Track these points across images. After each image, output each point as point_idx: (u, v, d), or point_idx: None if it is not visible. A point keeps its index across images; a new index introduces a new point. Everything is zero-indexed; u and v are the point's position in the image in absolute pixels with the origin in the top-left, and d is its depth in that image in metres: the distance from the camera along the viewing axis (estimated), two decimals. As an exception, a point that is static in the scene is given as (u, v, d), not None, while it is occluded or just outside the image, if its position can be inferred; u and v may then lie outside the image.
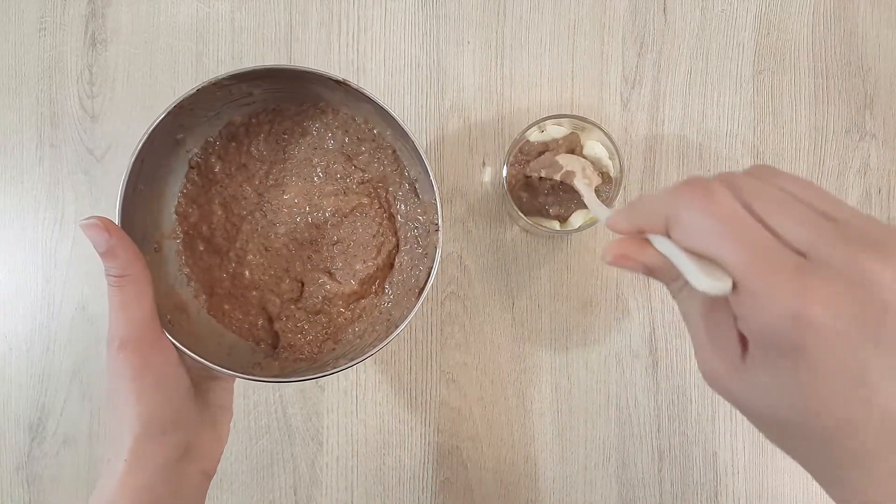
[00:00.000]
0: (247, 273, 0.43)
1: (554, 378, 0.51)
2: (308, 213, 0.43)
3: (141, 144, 0.36)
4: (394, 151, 0.43)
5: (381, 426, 0.52)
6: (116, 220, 0.35)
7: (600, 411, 0.51)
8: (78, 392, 0.52)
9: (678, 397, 0.51)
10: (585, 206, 0.45)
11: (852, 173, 0.52)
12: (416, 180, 0.43)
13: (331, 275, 0.43)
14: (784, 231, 0.21)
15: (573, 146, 0.46)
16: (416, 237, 0.43)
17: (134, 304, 0.33)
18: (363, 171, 0.44)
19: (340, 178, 0.44)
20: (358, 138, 0.43)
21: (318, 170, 0.43)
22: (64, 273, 0.53)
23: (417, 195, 0.43)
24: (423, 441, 0.51)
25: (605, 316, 0.51)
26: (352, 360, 0.37)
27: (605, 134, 0.45)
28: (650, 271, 0.25)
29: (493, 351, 0.52)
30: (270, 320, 0.43)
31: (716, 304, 0.23)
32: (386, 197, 0.44)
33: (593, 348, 0.51)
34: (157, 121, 0.36)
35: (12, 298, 0.53)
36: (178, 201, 0.42)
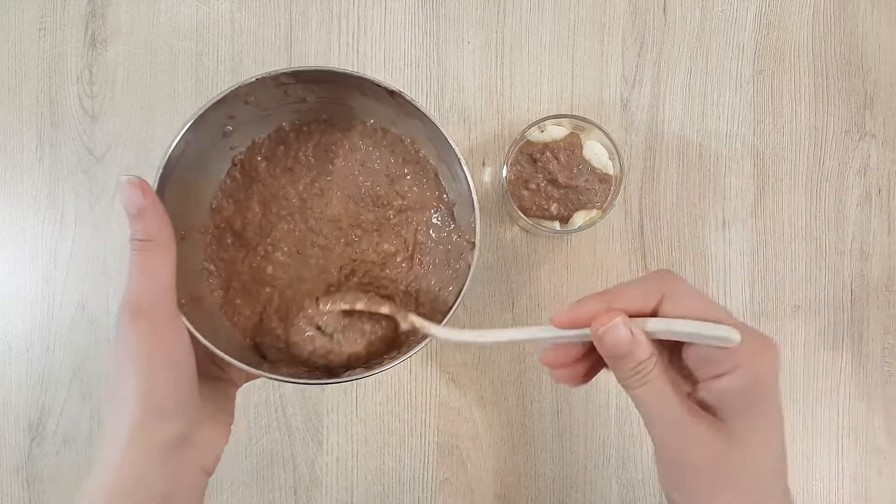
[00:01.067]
0: (269, 269, 0.42)
1: (554, 378, 0.51)
2: (345, 243, 0.43)
3: (185, 128, 0.34)
4: (436, 175, 0.42)
5: (381, 426, 0.52)
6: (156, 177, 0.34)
7: (600, 411, 0.51)
8: (78, 392, 0.52)
9: (678, 397, 0.51)
10: (587, 207, 0.45)
11: (852, 173, 0.52)
12: (454, 203, 0.42)
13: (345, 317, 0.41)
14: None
15: (573, 146, 0.46)
16: (446, 261, 0.42)
17: (154, 272, 0.31)
18: (403, 198, 0.43)
19: (381, 206, 0.43)
20: (403, 160, 0.43)
21: (363, 190, 0.43)
22: (64, 273, 0.53)
23: (454, 219, 0.42)
24: (423, 441, 0.51)
25: (605, 316, 0.51)
26: (368, 370, 0.37)
27: (605, 134, 0.45)
28: (627, 353, 0.30)
29: (493, 351, 0.52)
30: (281, 320, 0.42)
31: (676, 382, 0.32)
32: (417, 227, 0.43)
33: (593, 348, 0.51)
34: (210, 103, 0.35)
35: (12, 298, 0.53)
36: (216, 195, 0.41)
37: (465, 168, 0.37)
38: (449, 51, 0.52)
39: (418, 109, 0.37)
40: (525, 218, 0.45)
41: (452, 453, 0.51)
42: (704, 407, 0.31)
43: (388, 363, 0.37)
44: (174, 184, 0.36)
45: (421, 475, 0.51)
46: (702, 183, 0.52)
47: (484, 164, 0.52)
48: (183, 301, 0.34)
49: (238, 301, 0.41)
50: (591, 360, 0.33)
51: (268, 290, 0.42)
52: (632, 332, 0.29)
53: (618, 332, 0.29)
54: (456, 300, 0.38)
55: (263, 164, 0.42)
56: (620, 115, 0.52)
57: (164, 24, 0.53)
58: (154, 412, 0.31)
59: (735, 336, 0.27)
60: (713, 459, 0.30)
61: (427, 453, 0.51)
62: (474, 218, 0.38)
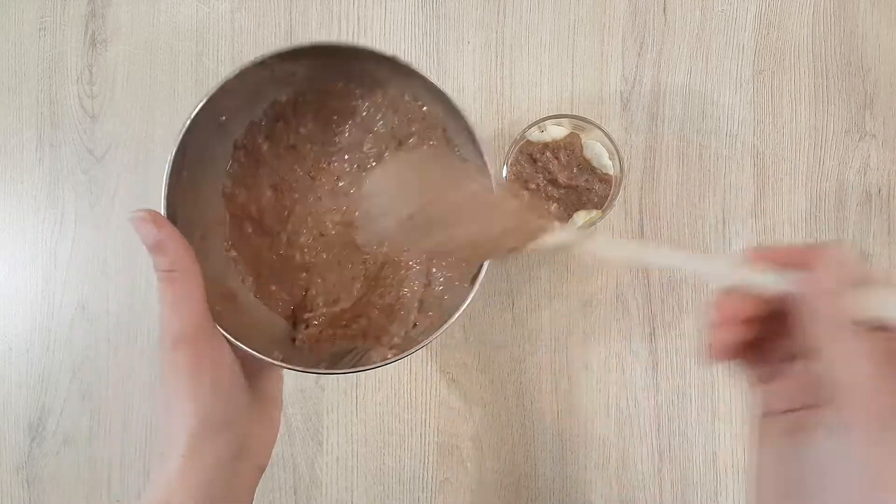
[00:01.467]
0: (297, 255, 0.41)
1: (554, 378, 0.51)
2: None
3: (183, 133, 0.34)
4: (444, 130, 0.40)
5: (381, 426, 0.52)
6: (161, 212, 0.34)
7: (600, 411, 0.51)
8: (78, 392, 0.52)
9: (678, 397, 0.51)
10: (587, 207, 0.45)
11: (852, 173, 0.52)
12: (466, 160, 0.39)
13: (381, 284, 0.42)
14: None
15: (573, 146, 0.46)
16: None
17: (186, 301, 0.32)
18: None
19: None
20: (408, 118, 0.40)
21: (371, 158, 0.41)
22: (64, 273, 0.53)
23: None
24: (423, 441, 0.51)
25: (605, 316, 0.51)
26: (402, 350, 0.36)
27: (605, 134, 0.45)
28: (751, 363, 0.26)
29: (493, 351, 0.52)
30: (328, 304, 0.42)
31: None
32: None
33: (593, 348, 0.51)
34: (199, 106, 0.34)
35: (12, 298, 0.53)
36: (225, 183, 0.39)
37: (473, 127, 0.35)
38: (449, 51, 0.52)
39: (415, 71, 0.35)
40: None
41: (452, 453, 0.51)
42: None
43: (423, 339, 0.35)
44: (183, 187, 0.36)
45: (421, 475, 0.51)
46: (702, 183, 0.52)
47: (484, 164, 0.52)
48: (218, 308, 0.34)
49: (273, 287, 0.41)
50: (760, 329, 0.26)
51: (304, 274, 0.41)
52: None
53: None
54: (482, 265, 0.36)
55: (266, 145, 0.40)
56: (620, 115, 0.52)
57: (164, 24, 0.53)
58: (210, 429, 0.32)
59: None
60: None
61: (427, 453, 0.51)
62: (489, 176, 0.35)
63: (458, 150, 0.40)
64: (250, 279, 0.40)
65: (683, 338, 0.51)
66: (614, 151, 0.45)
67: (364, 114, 0.41)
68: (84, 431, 0.52)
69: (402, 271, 0.41)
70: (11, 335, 0.53)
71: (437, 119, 0.40)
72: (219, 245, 0.39)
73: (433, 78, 0.35)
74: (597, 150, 0.46)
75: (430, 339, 0.35)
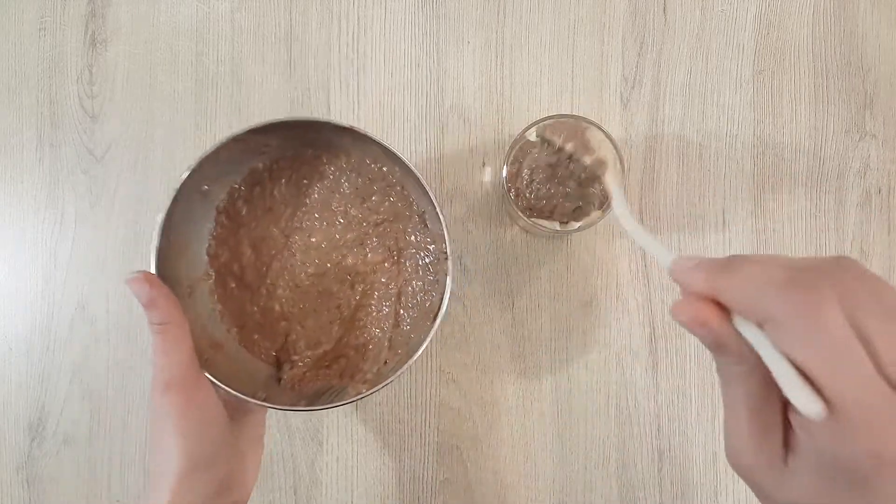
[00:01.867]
0: (276, 307, 0.46)
1: (554, 378, 0.51)
2: (334, 263, 0.47)
3: (170, 202, 0.39)
4: (402, 188, 0.46)
5: (381, 426, 0.52)
6: (152, 270, 0.38)
7: (600, 411, 0.51)
8: (78, 392, 0.52)
9: (678, 397, 0.51)
10: (596, 210, 0.45)
11: (852, 173, 0.52)
12: (424, 212, 0.45)
13: (352, 325, 0.47)
14: (885, 361, 0.20)
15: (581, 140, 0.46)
16: (427, 265, 0.46)
17: (175, 349, 0.36)
18: (377, 213, 0.47)
19: (357, 223, 0.47)
20: (370, 178, 0.46)
21: (339, 216, 0.47)
22: (64, 273, 0.53)
23: (426, 226, 0.46)
24: (423, 441, 0.51)
25: (605, 316, 0.51)
26: (373, 385, 0.41)
27: (605, 134, 0.45)
28: (718, 346, 0.23)
29: (493, 351, 0.52)
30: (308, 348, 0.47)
31: (769, 401, 0.23)
32: (397, 236, 0.47)
33: (593, 348, 0.51)
34: (182, 180, 0.39)
35: (12, 298, 0.53)
36: (209, 243, 0.45)
37: (426, 185, 0.40)
38: (449, 51, 0.52)
39: (372, 138, 0.40)
40: (525, 218, 0.45)
41: (452, 453, 0.51)
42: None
43: (391, 375, 0.40)
44: (171, 248, 0.40)
45: (421, 475, 0.51)
46: (702, 183, 0.52)
47: (484, 164, 0.52)
48: (206, 357, 0.39)
49: (256, 336, 0.46)
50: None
51: (284, 323, 0.46)
52: (714, 326, 0.23)
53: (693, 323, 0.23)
54: (440, 305, 0.41)
55: (245, 209, 0.46)
56: (620, 115, 0.52)
57: (164, 24, 0.53)
58: (196, 466, 0.35)
59: (812, 409, 0.20)
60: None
61: (427, 453, 0.51)
62: (443, 229, 0.40)
63: (414, 204, 0.46)
64: (235, 329, 0.45)
65: (683, 338, 0.51)
66: (614, 151, 0.45)
67: (331, 176, 0.46)
68: (84, 431, 0.52)
69: (374, 313, 0.47)
70: (11, 335, 0.53)
71: (395, 178, 0.45)
72: (206, 299, 0.44)
73: (388, 143, 0.40)
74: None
75: (398, 373, 0.40)
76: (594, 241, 0.52)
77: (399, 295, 0.47)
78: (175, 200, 0.39)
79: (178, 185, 0.39)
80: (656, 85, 0.52)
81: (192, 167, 0.39)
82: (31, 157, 0.53)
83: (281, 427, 0.52)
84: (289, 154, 0.45)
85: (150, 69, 0.53)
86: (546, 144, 0.45)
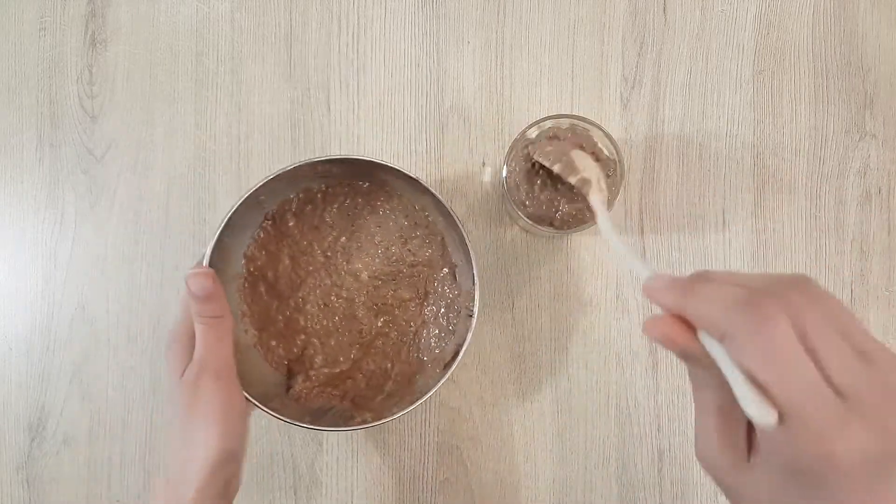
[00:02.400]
0: (301, 320, 0.48)
1: (554, 378, 0.51)
2: (366, 292, 0.49)
3: (233, 210, 0.41)
4: (442, 239, 0.48)
5: (381, 426, 0.52)
6: (205, 257, 0.41)
7: (600, 411, 0.51)
8: (78, 392, 0.52)
9: (678, 397, 0.51)
10: (589, 221, 0.45)
11: (852, 173, 0.52)
12: (456, 266, 0.48)
13: (369, 351, 0.49)
14: (831, 371, 0.22)
15: (582, 141, 0.45)
16: (446, 315, 0.48)
17: (225, 342, 0.38)
18: (414, 255, 0.49)
19: (395, 260, 0.49)
20: (415, 223, 0.49)
21: (380, 249, 0.49)
22: (64, 273, 0.53)
23: (455, 278, 0.48)
24: (423, 441, 0.51)
25: (605, 316, 0.51)
26: (378, 416, 0.42)
27: (605, 134, 0.45)
28: (686, 357, 0.26)
29: (493, 351, 0.52)
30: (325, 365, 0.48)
31: (734, 406, 0.24)
32: (426, 280, 0.49)
33: (593, 348, 0.51)
34: (250, 191, 0.41)
35: (12, 298, 0.53)
36: (249, 245, 0.47)
37: (468, 241, 0.42)
38: (449, 51, 0.52)
39: (429, 189, 0.42)
40: (525, 218, 0.45)
41: (452, 453, 0.51)
42: None
43: (396, 412, 0.42)
44: (220, 247, 0.42)
45: (421, 475, 0.51)
46: (702, 183, 0.52)
47: (484, 164, 0.52)
48: None
49: (273, 342, 0.47)
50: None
51: (303, 336, 0.48)
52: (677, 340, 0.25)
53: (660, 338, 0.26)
54: (455, 356, 0.43)
55: (293, 221, 0.48)
56: (620, 115, 0.52)
57: (164, 24, 0.53)
58: (226, 456, 0.37)
59: (764, 420, 0.22)
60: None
61: (427, 453, 0.51)
62: (474, 288, 0.42)
63: (451, 256, 0.48)
64: (254, 332, 0.46)
65: (683, 338, 0.51)
66: (614, 151, 0.45)
67: (381, 212, 0.49)
68: (84, 432, 0.52)
69: (390, 346, 0.49)
70: (11, 335, 0.53)
71: (438, 229, 0.48)
72: (233, 297, 0.46)
73: (441, 196, 0.42)
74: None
75: (402, 413, 0.41)
76: (594, 241, 0.52)
77: (416, 336, 0.49)
78: (237, 208, 0.41)
79: (246, 194, 0.41)
80: (656, 85, 0.52)
81: (268, 178, 0.41)
82: (31, 157, 0.53)
83: (281, 427, 0.52)
84: (346, 182, 0.48)
85: (150, 69, 0.53)
86: (535, 166, 0.45)
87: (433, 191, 0.42)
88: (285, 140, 0.53)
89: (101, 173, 0.53)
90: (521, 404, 0.51)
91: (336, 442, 0.52)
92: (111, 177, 0.53)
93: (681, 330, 0.25)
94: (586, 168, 0.43)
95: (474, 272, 0.42)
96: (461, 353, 0.42)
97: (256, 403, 0.40)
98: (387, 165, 0.42)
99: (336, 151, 0.52)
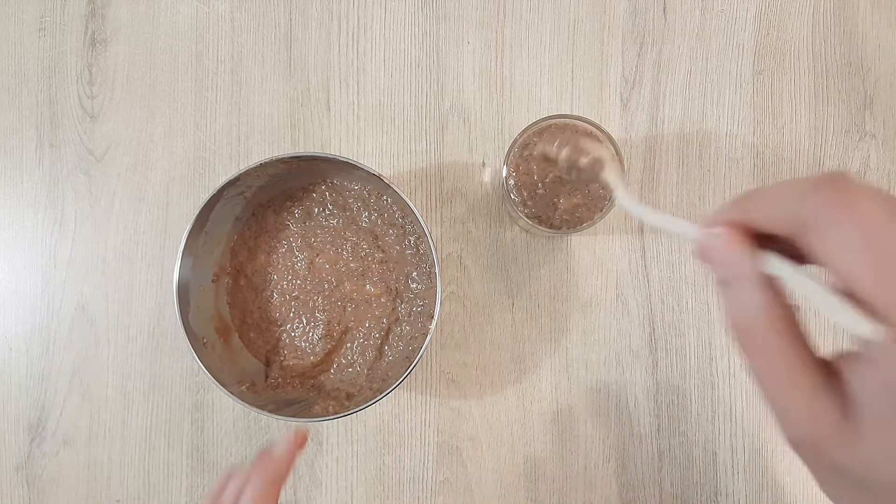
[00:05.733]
0: (272, 311, 0.50)
1: (554, 378, 0.51)
2: (331, 285, 0.50)
3: (207, 199, 0.43)
4: (416, 238, 0.49)
5: (381, 426, 0.52)
6: (177, 260, 0.43)
7: (600, 411, 0.51)
8: (78, 392, 0.52)
9: (678, 397, 0.51)
10: (589, 221, 0.45)
11: (852, 173, 0.52)
12: (434, 267, 0.47)
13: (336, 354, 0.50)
14: None
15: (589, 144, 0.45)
16: (418, 313, 0.49)
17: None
18: (384, 252, 0.50)
19: (364, 256, 0.50)
20: (390, 223, 0.50)
21: (349, 244, 0.50)
22: (64, 273, 0.53)
23: (431, 280, 0.49)
24: (423, 441, 0.51)
25: (605, 316, 0.51)
26: (342, 407, 0.44)
27: (605, 134, 0.45)
28: (737, 276, 0.21)
29: (493, 351, 0.52)
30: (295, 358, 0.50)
31: (805, 356, 0.20)
32: (398, 279, 0.50)
33: (593, 348, 0.51)
34: (223, 183, 0.43)
35: (12, 298, 0.53)
36: (234, 241, 0.50)
37: (434, 253, 0.43)
38: (449, 51, 0.52)
39: (391, 186, 0.43)
40: (525, 218, 0.45)
41: (452, 453, 0.51)
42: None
43: (362, 405, 0.42)
44: (204, 238, 0.45)
45: (421, 475, 0.51)
46: (702, 183, 0.52)
47: (484, 164, 0.52)
48: (204, 340, 0.44)
49: (252, 334, 0.50)
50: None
51: (275, 328, 0.50)
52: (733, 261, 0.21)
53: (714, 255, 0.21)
54: (417, 353, 0.43)
55: (272, 218, 0.50)
56: (620, 115, 0.52)
57: (164, 24, 0.53)
58: None
59: (872, 334, 0.18)
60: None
61: (427, 453, 0.51)
62: (436, 289, 0.43)
63: (425, 260, 0.49)
64: (238, 323, 0.50)
65: (683, 337, 0.51)
66: (614, 151, 0.45)
67: (355, 210, 0.50)
68: (84, 432, 0.52)
69: (362, 340, 0.50)
70: (11, 335, 0.53)
71: (412, 230, 0.49)
72: (223, 290, 0.49)
73: (413, 206, 0.43)
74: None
75: (364, 406, 0.42)
76: (594, 241, 0.52)
77: (388, 332, 0.49)
78: (210, 201, 0.43)
79: (218, 187, 0.42)
80: (656, 85, 0.52)
81: (239, 173, 0.42)
82: (31, 157, 0.53)
83: (280, 427, 0.52)
84: (326, 180, 0.50)
85: (150, 69, 0.53)
86: (544, 159, 0.44)
87: (394, 187, 0.43)
88: (285, 140, 0.53)
89: (101, 173, 0.53)
90: (521, 404, 0.51)
91: (336, 442, 0.52)
92: (111, 177, 0.53)
93: (745, 250, 0.21)
94: (596, 149, 0.42)
95: (438, 279, 0.42)
96: (420, 353, 0.42)
97: (218, 385, 0.42)
98: (350, 163, 0.43)
99: (336, 151, 0.52)
